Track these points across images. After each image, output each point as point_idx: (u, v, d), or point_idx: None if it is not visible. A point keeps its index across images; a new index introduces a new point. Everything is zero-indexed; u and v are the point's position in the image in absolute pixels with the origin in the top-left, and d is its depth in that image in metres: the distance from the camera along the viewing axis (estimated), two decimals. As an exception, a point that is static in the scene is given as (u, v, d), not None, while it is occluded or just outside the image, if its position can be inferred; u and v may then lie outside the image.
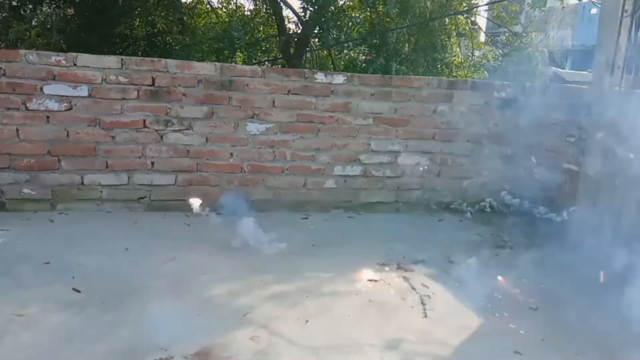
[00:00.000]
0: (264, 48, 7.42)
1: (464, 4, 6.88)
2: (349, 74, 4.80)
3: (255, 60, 6.99)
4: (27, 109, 4.03)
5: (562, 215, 4.26)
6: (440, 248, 3.97)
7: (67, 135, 4.15)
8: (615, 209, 3.78)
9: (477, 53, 7.45)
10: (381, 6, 6.30)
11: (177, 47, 6.35)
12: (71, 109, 4.12)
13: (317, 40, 6.61)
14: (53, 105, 4.07)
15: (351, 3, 6.92)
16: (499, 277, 3.43)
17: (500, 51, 7.16)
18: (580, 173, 4.29)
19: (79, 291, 2.83)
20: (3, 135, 4.03)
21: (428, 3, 6.29)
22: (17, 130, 4.05)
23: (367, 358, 2.44)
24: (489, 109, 4.96)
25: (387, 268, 3.56)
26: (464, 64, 7.12)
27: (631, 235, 3.45)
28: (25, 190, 4.14)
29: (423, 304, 3.04)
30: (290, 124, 4.61)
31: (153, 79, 4.25)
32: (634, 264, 3.07)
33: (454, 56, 7.05)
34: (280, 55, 7.04)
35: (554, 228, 4.26)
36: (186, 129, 4.39)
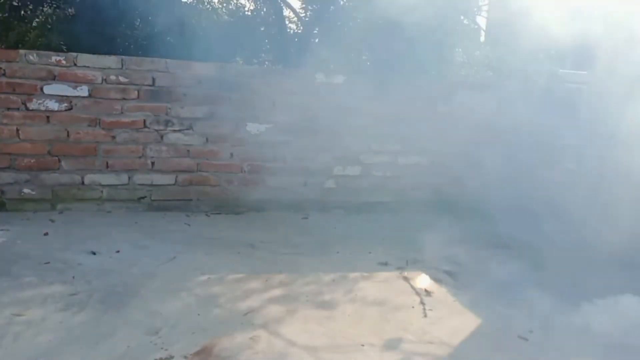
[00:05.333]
0: (264, 48, 7.41)
1: (465, 7, 6.86)
2: (349, 74, 4.80)
3: (255, 60, 6.98)
4: (27, 108, 4.04)
5: None
6: (440, 247, 3.97)
7: (68, 135, 4.15)
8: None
9: (477, 53, 7.44)
10: (383, 6, 6.28)
11: (177, 47, 6.34)
12: (71, 109, 4.12)
13: (317, 40, 6.60)
14: (53, 105, 4.07)
15: (352, 3, 6.91)
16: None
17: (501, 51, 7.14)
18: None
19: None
20: (3, 135, 4.03)
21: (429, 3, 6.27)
22: (17, 130, 4.05)
23: (367, 358, 2.44)
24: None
25: (387, 268, 3.56)
26: (466, 64, 7.10)
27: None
28: (26, 190, 4.14)
29: (423, 303, 3.04)
30: (290, 124, 4.61)
31: (153, 79, 4.25)
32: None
33: (456, 56, 7.04)
34: (281, 56, 7.04)
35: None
36: (186, 129, 4.39)
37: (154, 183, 4.41)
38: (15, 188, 4.12)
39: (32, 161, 4.12)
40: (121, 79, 4.17)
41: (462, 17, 6.86)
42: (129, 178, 4.35)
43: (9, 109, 4.01)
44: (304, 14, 6.23)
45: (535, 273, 3.60)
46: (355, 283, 3.27)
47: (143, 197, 4.40)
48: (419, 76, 4.99)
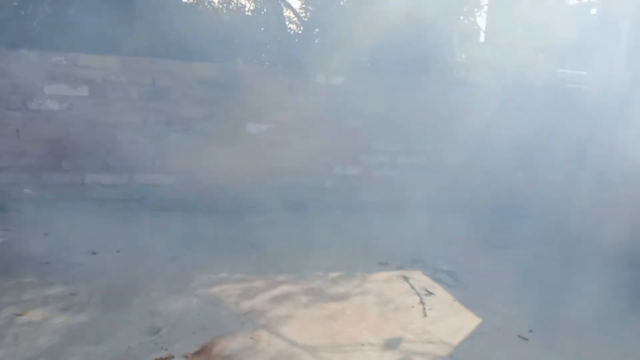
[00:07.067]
0: (264, 48, 7.41)
1: (465, 8, 6.85)
2: (349, 74, 4.80)
3: (255, 60, 6.98)
4: (27, 109, 4.04)
5: None
6: (440, 247, 3.98)
7: (68, 135, 4.16)
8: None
9: (477, 53, 7.43)
10: (383, 7, 6.28)
11: (177, 47, 6.34)
12: (72, 109, 4.12)
13: (317, 40, 6.60)
14: (53, 105, 4.08)
15: (352, 3, 6.91)
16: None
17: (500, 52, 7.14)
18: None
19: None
20: (3, 135, 4.03)
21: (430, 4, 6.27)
22: (18, 130, 4.06)
23: (367, 357, 2.45)
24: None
25: (387, 268, 3.57)
26: (466, 64, 7.10)
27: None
28: (26, 190, 4.14)
29: (423, 303, 3.05)
30: (290, 124, 4.62)
31: (153, 79, 4.26)
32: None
33: (456, 57, 7.03)
34: (281, 56, 7.03)
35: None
36: (186, 129, 4.40)
37: (154, 183, 4.41)
38: (16, 188, 4.13)
39: (32, 161, 4.12)
40: (121, 79, 4.18)
41: (462, 17, 6.85)
42: (129, 178, 4.35)
43: (9, 109, 4.01)
44: (304, 14, 6.23)
45: (534, 272, 3.61)
46: (355, 282, 3.28)
47: (143, 197, 4.40)
48: (418, 76, 4.99)
